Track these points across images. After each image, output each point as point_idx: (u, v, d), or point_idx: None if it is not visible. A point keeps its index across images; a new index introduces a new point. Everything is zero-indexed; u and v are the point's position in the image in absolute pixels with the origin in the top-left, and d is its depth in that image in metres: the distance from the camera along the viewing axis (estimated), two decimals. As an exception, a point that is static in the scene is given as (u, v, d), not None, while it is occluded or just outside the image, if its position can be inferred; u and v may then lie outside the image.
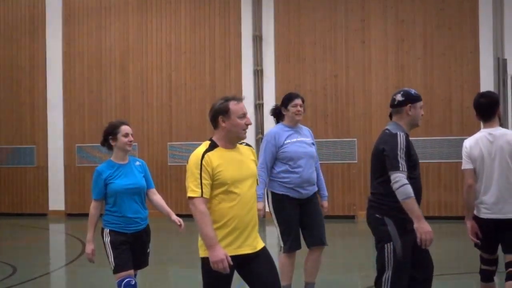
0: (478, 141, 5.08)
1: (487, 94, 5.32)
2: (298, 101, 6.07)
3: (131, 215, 5.09)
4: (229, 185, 3.91)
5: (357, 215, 13.80)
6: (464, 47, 13.86)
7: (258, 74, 14.96)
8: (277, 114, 6.26)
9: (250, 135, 14.98)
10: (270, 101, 14.91)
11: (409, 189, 4.35)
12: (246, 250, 4.00)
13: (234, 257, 3.89)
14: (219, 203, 3.93)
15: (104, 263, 9.82)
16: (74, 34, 16.32)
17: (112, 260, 5.02)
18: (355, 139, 14.22)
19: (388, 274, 4.52)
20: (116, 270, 5.04)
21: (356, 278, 8.34)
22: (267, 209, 6.38)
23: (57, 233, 14.47)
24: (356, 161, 14.27)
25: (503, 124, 6.13)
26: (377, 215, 4.54)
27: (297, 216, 6.06)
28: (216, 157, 3.93)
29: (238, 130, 4.04)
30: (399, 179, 4.36)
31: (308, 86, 14.68)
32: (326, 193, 6.42)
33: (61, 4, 16.36)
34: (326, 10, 14.64)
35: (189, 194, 3.89)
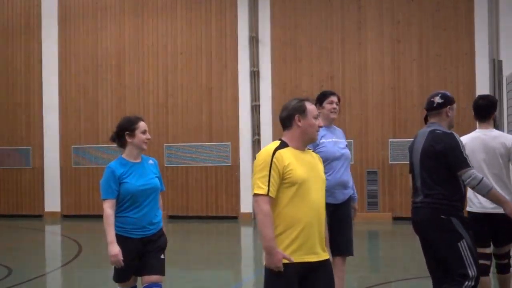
0: (473, 139, 5.30)
1: (486, 97, 5.57)
2: (334, 98, 5.68)
3: (141, 219, 4.66)
4: (299, 185, 3.71)
5: (353, 217, 13.80)
6: (459, 48, 13.91)
7: (255, 75, 14.97)
8: None
9: (247, 136, 14.98)
10: (266, 102, 14.93)
11: (487, 181, 4.49)
12: (312, 258, 3.75)
13: (299, 265, 3.68)
14: (286, 205, 3.71)
15: (99, 263, 9.82)
16: (70, 36, 16.30)
17: (113, 267, 4.68)
18: (352, 140, 14.22)
19: (472, 271, 4.45)
20: (115, 279, 4.79)
21: (352, 279, 8.33)
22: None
23: (52, 234, 14.44)
24: (352, 162, 14.26)
25: (498, 124, 6.26)
26: (443, 216, 4.49)
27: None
28: (288, 155, 3.75)
29: (313, 131, 3.87)
30: (475, 175, 4.45)
31: (304, 87, 14.70)
32: (356, 195, 5.98)
33: (57, 6, 16.34)
34: (322, 12, 14.66)
35: (255, 190, 3.67)
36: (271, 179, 3.67)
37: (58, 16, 16.34)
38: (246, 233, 13.85)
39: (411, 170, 4.81)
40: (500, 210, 4.81)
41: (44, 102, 16.36)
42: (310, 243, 3.72)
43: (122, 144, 4.79)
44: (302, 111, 3.85)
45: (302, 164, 3.77)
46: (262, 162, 3.73)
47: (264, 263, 3.72)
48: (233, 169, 15.02)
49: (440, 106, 4.74)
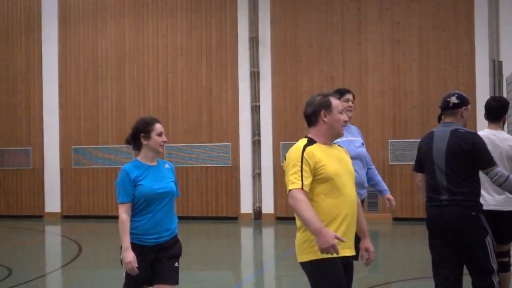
0: (482, 138, 5.32)
1: (499, 99, 5.72)
2: (349, 96, 5.53)
3: (157, 224, 4.42)
4: (333, 180, 3.70)
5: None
6: (459, 49, 13.91)
7: (255, 76, 14.98)
8: None
9: (247, 136, 14.99)
10: (266, 103, 14.94)
11: None
12: (348, 252, 3.75)
13: (340, 259, 3.66)
14: (323, 200, 3.69)
15: (99, 264, 9.82)
16: (70, 36, 16.30)
17: (124, 275, 4.41)
18: (351, 141, 14.21)
19: (495, 265, 4.63)
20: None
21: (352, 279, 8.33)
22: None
23: (53, 235, 14.44)
24: (352, 163, 14.27)
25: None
26: (473, 213, 4.59)
27: None
28: (318, 151, 3.73)
29: (339, 125, 3.86)
30: (501, 172, 4.56)
31: (304, 88, 14.70)
32: (386, 187, 5.85)
33: (57, 6, 16.35)
34: (322, 12, 14.67)
35: (290, 186, 3.62)
36: (304, 174, 3.64)
37: (58, 16, 16.35)
38: (246, 234, 13.85)
39: (426, 168, 4.83)
40: (503, 208, 4.83)
41: (44, 103, 16.37)
42: (347, 237, 3.70)
43: (137, 146, 4.60)
44: (327, 106, 3.85)
45: (332, 159, 3.76)
46: (293, 160, 3.70)
47: (301, 260, 3.72)
48: (233, 170, 15.03)
49: (456, 106, 4.80)
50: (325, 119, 3.83)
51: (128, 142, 4.65)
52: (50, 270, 9.64)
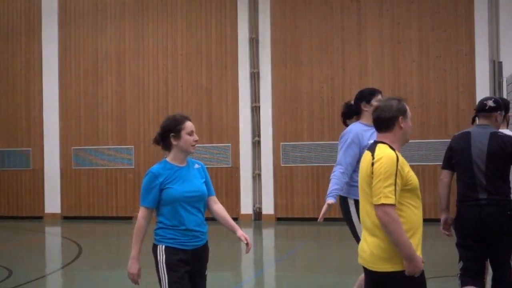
0: None
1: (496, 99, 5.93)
2: (380, 96, 5.37)
3: (193, 227, 4.13)
4: (416, 189, 3.65)
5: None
6: (459, 49, 13.91)
7: (255, 76, 14.98)
8: (350, 112, 5.43)
9: (247, 137, 14.99)
10: (266, 103, 14.94)
11: None
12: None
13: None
14: (411, 211, 3.61)
15: (99, 265, 9.82)
16: (70, 37, 16.31)
17: (166, 284, 4.02)
18: (351, 142, 14.20)
19: None
20: None
21: (352, 280, 8.33)
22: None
23: (53, 236, 14.43)
24: (352, 164, 14.25)
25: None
26: (509, 212, 4.84)
27: None
28: (403, 160, 3.64)
29: (410, 133, 3.76)
30: None
31: (304, 89, 14.71)
32: None
33: (57, 7, 16.35)
34: (322, 13, 14.67)
35: (384, 200, 3.49)
36: (397, 188, 3.53)
37: (58, 17, 16.36)
38: (246, 235, 13.84)
39: (461, 167, 4.98)
40: None
41: (44, 104, 16.37)
42: (421, 246, 3.69)
43: (166, 146, 4.27)
44: (404, 112, 3.73)
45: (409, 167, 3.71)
46: (388, 170, 3.54)
47: (386, 270, 3.59)
48: (233, 171, 15.03)
49: (492, 109, 5.00)
50: (402, 126, 3.71)
51: (156, 142, 4.32)
52: (50, 271, 9.63)
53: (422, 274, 3.62)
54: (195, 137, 4.27)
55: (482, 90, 13.25)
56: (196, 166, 4.38)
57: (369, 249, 3.63)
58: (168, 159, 4.27)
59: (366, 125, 5.19)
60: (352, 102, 5.43)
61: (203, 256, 4.23)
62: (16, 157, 16.61)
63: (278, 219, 14.65)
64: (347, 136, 5.18)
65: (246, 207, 14.85)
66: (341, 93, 14.51)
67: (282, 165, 14.76)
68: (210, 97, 15.27)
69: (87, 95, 16.12)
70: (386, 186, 3.51)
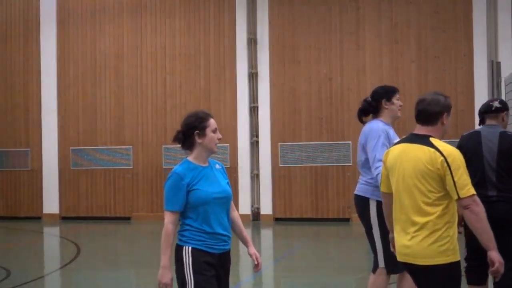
0: None
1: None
2: (399, 95, 5.34)
3: (221, 230, 3.91)
4: None
5: (351, 218, 13.80)
6: (458, 50, 13.93)
7: (253, 77, 14.98)
8: (369, 109, 5.33)
9: (245, 137, 14.99)
10: (265, 104, 14.94)
11: None
12: None
13: None
14: (450, 203, 3.65)
15: (98, 265, 9.81)
16: (69, 37, 16.30)
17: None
18: (350, 142, 14.23)
19: None
20: None
21: (351, 280, 8.34)
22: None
23: (51, 236, 14.42)
24: (350, 164, 14.28)
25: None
26: None
27: None
28: None
29: (446, 130, 3.84)
30: None
31: (303, 89, 14.71)
32: None
33: (55, 8, 16.34)
34: (321, 13, 14.68)
35: (473, 191, 3.53)
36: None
37: (57, 18, 16.35)
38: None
39: (471, 165, 4.94)
40: None
41: (42, 104, 16.36)
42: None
43: (189, 145, 3.98)
44: (449, 109, 3.79)
45: None
46: (460, 162, 3.58)
47: (441, 262, 3.58)
48: (232, 171, 15.02)
49: (498, 110, 5.19)
50: (444, 122, 3.77)
51: (178, 140, 4.00)
52: (49, 271, 9.63)
53: (459, 267, 3.67)
54: (219, 135, 4.02)
55: (481, 91, 13.27)
56: (217, 166, 4.14)
57: (419, 244, 3.58)
58: (190, 158, 3.99)
59: (385, 123, 5.18)
60: (369, 98, 5.34)
61: (227, 261, 4.00)
62: (14, 157, 16.59)
63: (277, 219, 14.65)
64: (377, 133, 5.07)
65: (245, 208, 14.84)
66: (340, 93, 14.52)
67: (281, 165, 14.76)
68: (209, 97, 15.27)
69: (86, 96, 16.11)
70: (466, 178, 3.54)
